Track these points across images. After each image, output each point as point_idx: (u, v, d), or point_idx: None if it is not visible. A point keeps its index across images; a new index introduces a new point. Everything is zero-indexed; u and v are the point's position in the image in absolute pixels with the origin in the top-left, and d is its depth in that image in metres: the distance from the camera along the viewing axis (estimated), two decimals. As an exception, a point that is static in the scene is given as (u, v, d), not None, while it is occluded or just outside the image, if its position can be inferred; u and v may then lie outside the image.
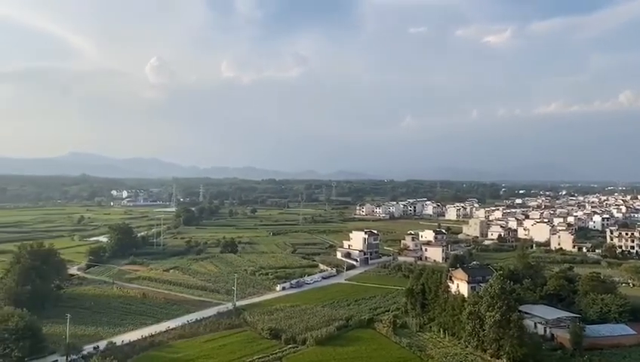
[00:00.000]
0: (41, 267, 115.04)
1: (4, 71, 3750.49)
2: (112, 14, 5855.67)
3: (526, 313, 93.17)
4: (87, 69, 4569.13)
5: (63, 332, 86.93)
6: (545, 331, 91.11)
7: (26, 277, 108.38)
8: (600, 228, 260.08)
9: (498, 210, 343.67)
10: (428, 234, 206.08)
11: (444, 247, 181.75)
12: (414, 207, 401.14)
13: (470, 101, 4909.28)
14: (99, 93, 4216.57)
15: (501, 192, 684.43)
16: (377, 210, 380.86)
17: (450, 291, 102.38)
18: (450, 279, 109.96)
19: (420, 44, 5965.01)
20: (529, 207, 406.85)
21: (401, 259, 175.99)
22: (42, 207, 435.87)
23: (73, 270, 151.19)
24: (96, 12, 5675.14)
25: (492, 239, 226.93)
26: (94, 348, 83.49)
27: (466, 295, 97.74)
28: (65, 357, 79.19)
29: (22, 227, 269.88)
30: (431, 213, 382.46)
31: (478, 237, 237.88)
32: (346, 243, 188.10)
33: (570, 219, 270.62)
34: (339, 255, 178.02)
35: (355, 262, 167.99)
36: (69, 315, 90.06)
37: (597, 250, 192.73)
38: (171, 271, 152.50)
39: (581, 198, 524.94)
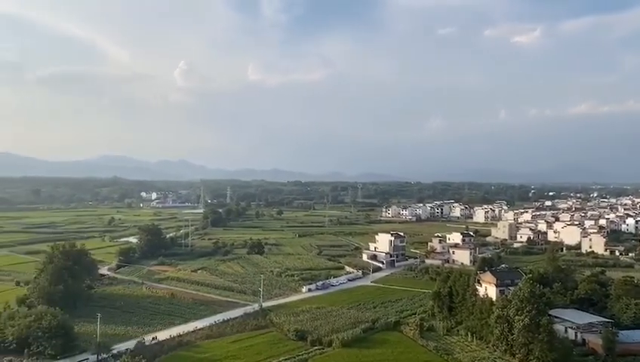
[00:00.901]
0: (73, 267, 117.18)
1: (39, 76, 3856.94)
2: (142, 20, 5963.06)
3: (556, 317, 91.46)
4: (118, 74, 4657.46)
5: (94, 331, 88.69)
6: (576, 336, 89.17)
7: (59, 276, 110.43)
8: (633, 230, 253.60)
9: (527, 212, 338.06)
10: (455, 237, 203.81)
11: (472, 250, 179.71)
12: (441, 209, 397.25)
13: (499, 102, 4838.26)
14: (129, 97, 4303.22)
15: (530, 194, 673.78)
16: (404, 212, 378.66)
17: (478, 294, 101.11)
18: (479, 282, 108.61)
19: (447, 45, 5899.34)
20: (559, 209, 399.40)
21: (428, 261, 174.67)
22: (74, 209, 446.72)
23: (104, 270, 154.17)
24: (126, 18, 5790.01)
25: (521, 242, 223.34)
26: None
27: (494, 298, 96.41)
28: (96, 356, 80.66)
29: (55, 228, 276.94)
30: (458, 215, 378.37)
31: (506, 239, 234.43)
32: (372, 246, 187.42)
33: (602, 222, 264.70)
34: (365, 257, 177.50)
35: (381, 265, 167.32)
36: (99, 314, 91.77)
37: (630, 254, 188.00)
38: (199, 271, 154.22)
39: (613, 200, 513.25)
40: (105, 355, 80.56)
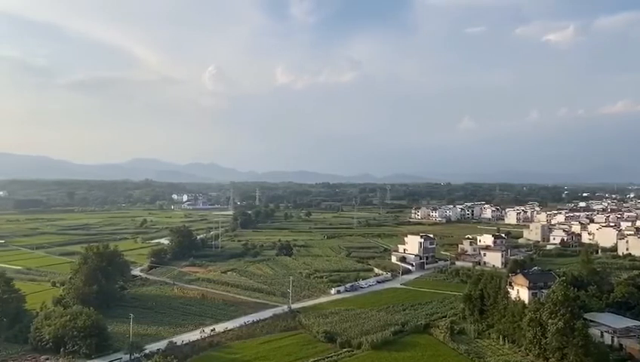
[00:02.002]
0: (107, 268, 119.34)
1: (71, 81, 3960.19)
2: (172, 25, 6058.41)
3: (591, 321, 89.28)
4: (149, 78, 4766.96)
5: (127, 331, 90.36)
6: (612, 341, 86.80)
7: (93, 277, 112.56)
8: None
9: (560, 213, 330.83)
10: (486, 239, 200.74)
11: (504, 252, 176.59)
12: (472, 211, 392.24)
13: (531, 101, 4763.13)
14: (160, 101, 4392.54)
15: (563, 195, 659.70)
16: (433, 213, 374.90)
17: (510, 297, 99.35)
18: (510, 285, 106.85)
19: (477, 45, 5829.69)
20: (594, 210, 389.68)
21: (458, 263, 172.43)
22: (108, 211, 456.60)
23: (136, 271, 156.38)
24: (156, 23, 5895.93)
25: (554, 244, 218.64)
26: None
27: (526, 301, 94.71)
28: (128, 355, 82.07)
29: (89, 229, 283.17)
30: (489, 216, 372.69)
31: (539, 241, 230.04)
32: (401, 248, 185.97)
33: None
34: (394, 259, 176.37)
35: (410, 267, 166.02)
36: (132, 315, 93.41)
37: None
38: (229, 272, 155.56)
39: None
40: (137, 355, 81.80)
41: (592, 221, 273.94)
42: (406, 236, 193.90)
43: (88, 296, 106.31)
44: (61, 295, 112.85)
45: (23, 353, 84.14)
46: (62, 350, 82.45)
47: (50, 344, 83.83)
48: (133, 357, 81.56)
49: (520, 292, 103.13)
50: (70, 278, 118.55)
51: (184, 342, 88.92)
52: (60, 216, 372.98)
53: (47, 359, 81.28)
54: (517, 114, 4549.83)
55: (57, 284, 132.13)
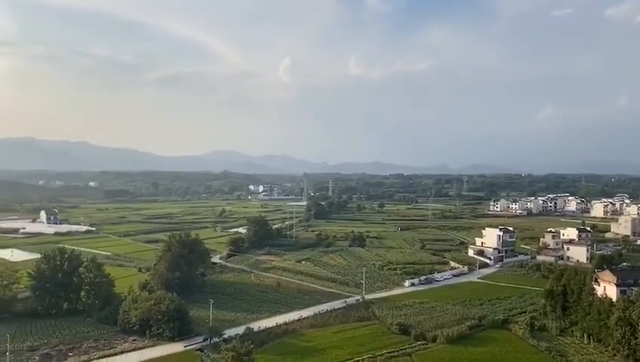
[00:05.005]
0: (188, 255, 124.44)
1: (156, 77, 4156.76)
2: (249, 19, 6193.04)
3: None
4: (227, 72, 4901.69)
5: (207, 316, 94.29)
6: None
7: (176, 264, 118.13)
8: None
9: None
10: (570, 232, 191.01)
11: (589, 246, 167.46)
12: (555, 203, 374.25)
13: (620, 87, 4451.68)
14: (238, 95, 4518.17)
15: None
16: (513, 205, 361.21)
17: (596, 294, 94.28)
18: (596, 281, 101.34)
19: (562, 28, 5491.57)
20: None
21: (539, 258, 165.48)
22: (189, 201, 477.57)
23: (215, 259, 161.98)
24: (235, 19, 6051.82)
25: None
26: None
27: (614, 299, 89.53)
28: (208, 340, 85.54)
29: (172, 218, 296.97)
30: (574, 209, 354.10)
31: (629, 236, 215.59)
32: (478, 241, 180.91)
33: None
34: (471, 252, 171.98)
35: (488, 261, 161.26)
36: (211, 301, 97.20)
37: None
38: (303, 262, 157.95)
39: None
40: (217, 339, 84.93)
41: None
42: (484, 229, 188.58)
43: (171, 281, 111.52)
44: (146, 280, 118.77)
45: (113, 334, 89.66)
46: (147, 332, 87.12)
47: (137, 326, 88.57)
48: (212, 342, 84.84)
49: (607, 289, 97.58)
50: (155, 264, 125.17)
51: (260, 329, 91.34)
52: (145, 206, 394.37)
53: (135, 340, 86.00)
54: (604, 101, 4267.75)
55: (143, 270, 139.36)
